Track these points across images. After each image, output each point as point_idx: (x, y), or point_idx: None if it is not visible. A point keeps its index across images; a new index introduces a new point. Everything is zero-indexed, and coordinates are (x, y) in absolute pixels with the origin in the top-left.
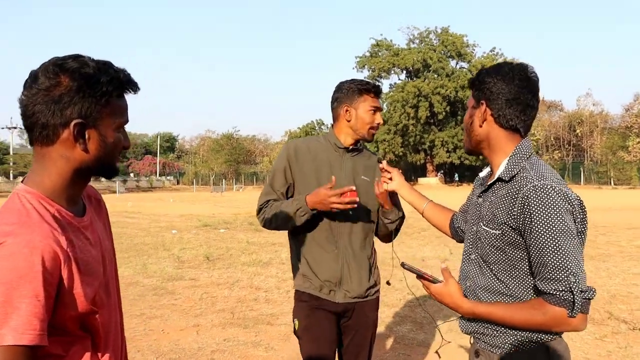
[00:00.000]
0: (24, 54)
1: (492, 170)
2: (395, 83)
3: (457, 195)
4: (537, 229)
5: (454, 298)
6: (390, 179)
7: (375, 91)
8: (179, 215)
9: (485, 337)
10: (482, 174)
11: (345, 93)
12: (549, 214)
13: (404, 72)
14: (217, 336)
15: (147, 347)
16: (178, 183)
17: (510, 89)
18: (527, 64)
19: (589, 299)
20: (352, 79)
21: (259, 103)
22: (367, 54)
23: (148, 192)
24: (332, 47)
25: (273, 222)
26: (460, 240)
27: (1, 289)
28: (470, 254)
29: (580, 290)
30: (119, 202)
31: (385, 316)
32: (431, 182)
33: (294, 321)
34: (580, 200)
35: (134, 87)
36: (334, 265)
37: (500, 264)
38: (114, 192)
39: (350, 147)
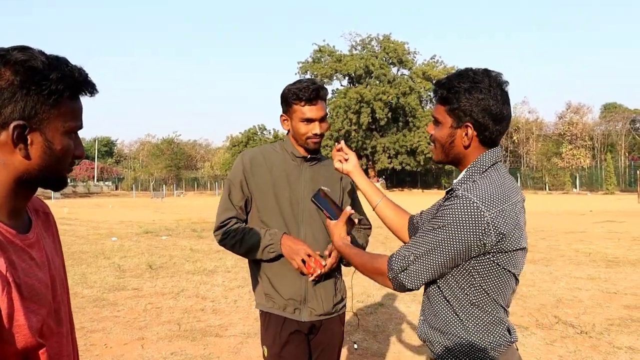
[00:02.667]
0: None
1: None
2: (337, 89)
3: (400, 200)
4: (435, 218)
5: (334, 235)
6: (347, 160)
7: (306, 98)
8: (118, 221)
9: (434, 345)
10: (455, 181)
11: (282, 101)
12: (449, 217)
13: (347, 78)
14: (163, 350)
15: None
16: (117, 188)
17: (495, 107)
18: (493, 70)
19: (402, 283)
20: (291, 84)
21: (201, 107)
22: (310, 59)
23: (85, 197)
24: (275, 52)
25: (236, 248)
26: None
27: None
28: None
29: (405, 269)
30: (55, 208)
31: None
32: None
33: (262, 347)
34: (500, 226)
35: (90, 88)
36: (297, 282)
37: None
38: (49, 197)
39: (309, 156)
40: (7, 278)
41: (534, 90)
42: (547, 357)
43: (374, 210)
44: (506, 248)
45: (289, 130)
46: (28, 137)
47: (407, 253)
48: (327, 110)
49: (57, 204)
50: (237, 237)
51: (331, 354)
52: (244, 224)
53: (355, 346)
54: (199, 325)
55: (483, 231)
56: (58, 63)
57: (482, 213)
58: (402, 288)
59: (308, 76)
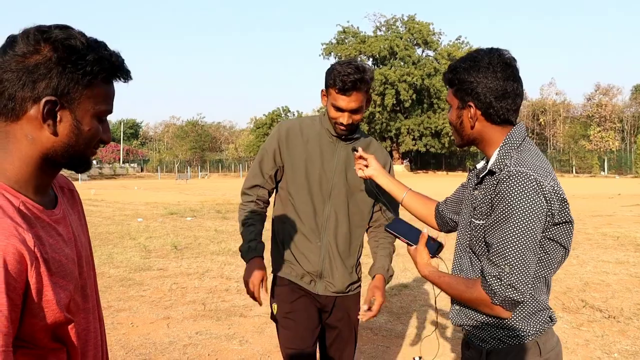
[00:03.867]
0: None
1: (486, 162)
2: None
3: (424, 183)
4: (499, 210)
5: (418, 263)
6: (367, 166)
7: (341, 88)
8: (144, 203)
9: (474, 329)
10: (479, 166)
11: (325, 78)
12: (514, 200)
13: (371, 59)
14: (188, 329)
15: (115, 341)
16: (142, 170)
17: (496, 85)
18: (500, 48)
19: (513, 300)
20: (339, 63)
21: (225, 89)
22: (334, 41)
23: (111, 179)
24: (299, 34)
25: (238, 222)
26: (447, 230)
27: None
28: (465, 247)
29: (509, 284)
30: (82, 189)
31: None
32: (397, 170)
33: (271, 305)
34: (559, 192)
35: (125, 74)
36: (315, 258)
37: (484, 255)
38: (76, 179)
39: (345, 136)
40: (35, 253)
41: (562, 71)
42: (574, 341)
43: (401, 204)
44: (564, 218)
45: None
46: (58, 114)
47: (499, 269)
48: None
49: (84, 186)
50: (241, 217)
51: (347, 336)
52: (269, 193)
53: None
54: (224, 305)
55: (548, 200)
56: (97, 45)
57: (541, 183)
58: (516, 305)
59: (332, 58)
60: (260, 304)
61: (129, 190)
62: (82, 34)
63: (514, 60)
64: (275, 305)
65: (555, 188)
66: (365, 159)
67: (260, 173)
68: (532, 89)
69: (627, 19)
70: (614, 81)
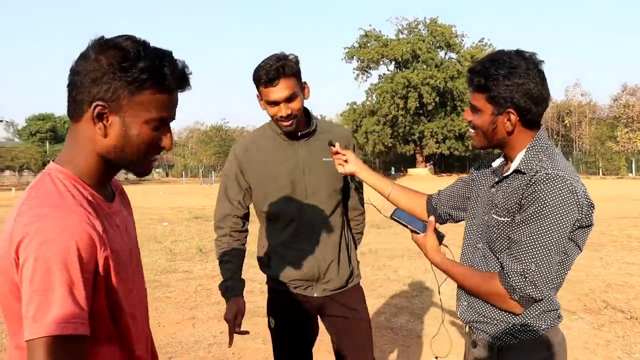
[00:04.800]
0: None
1: (506, 161)
2: (384, 74)
3: None
4: (532, 209)
5: (428, 249)
6: (346, 161)
7: (265, 80)
8: (169, 207)
9: (483, 325)
10: (495, 164)
11: (253, 81)
12: (551, 203)
13: (393, 62)
14: (213, 329)
15: None
16: (167, 175)
17: (536, 90)
18: (524, 51)
19: (532, 297)
20: (262, 61)
21: (248, 94)
22: (356, 44)
23: (137, 184)
24: (321, 38)
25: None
26: (440, 223)
27: (42, 277)
28: (476, 243)
29: (532, 282)
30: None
31: (382, 307)
32: (421, 173)
33: (269, 318)
34: (588, 197)
35: (181, 84)
36: (308, 264)
37: (504, 251)
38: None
39: (299, 133)
40: (103, 238)
41: (587, 72)
42: (594, 342)
43: (388, 199)
44: (588, 222)
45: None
46: (108, 117)
47: (524, 266)
48: (374, 96)
49: None
50: (217, 254)
51: (358, 335)
52: (243, 221)
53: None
54: (248, 306)
55: (580, 205)
56: (152, 54)
57: (575, 188)
58: (531, 302)
59: (354, 62)
60: (230, 345)
61: (154, 195)
62: (142, 43)
63: (543, 62)
64: (272, 320)
65: (586, 193)
66: (343, 154)
67: (227, 201)
68: (557, 90)
69: None
70: None
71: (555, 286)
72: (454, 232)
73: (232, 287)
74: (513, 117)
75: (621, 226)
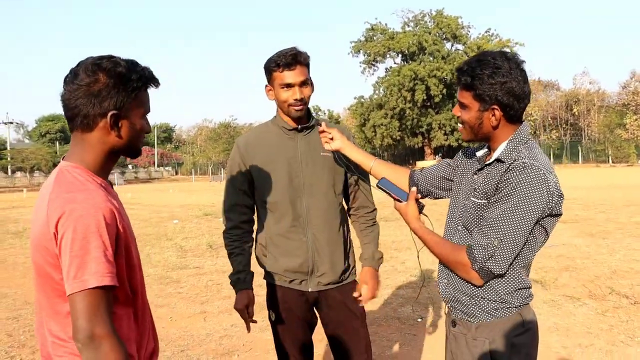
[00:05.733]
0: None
1: (489, 151)
2: (391, 67)
3: None
4: (505, 192)
5: (409, 215)
6: (332, 138)
7: (284, 64)
8: (179, 205)
9: (462, 305)
10: (479, 154)
11: (265, 72)
12: (522, 187)
13: (400, 55)
14: (224, 322)
15: None
16: (177, 173)
17: (518, 89)
18: (507, 51)
19: (490, 270)
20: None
21: (256, 91)
22: (362, 38)
23: (147, 183)
24: (327, 33)
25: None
26: (423, 197)
27: (80, 243)
28: (457, 226)
29: (491, 256)
30: (119, 193)
31: (389, 298)
32: (429, 165)
33: (269, 311)
34: (559, 188)
35: (156, 82)
36: (303, 255)
37: (476, 228)
38: (113, 184)
39: (300, 126)
40: (120, 213)
41: (595, 60)
42: (598, 327)
43: (370, 172)
44: (557, 211)
45: (276, 102)
46: (120, 122)
47: (488, 241)
48: (381, 89)
49: (121, 190)
50: (227, 248)
51: (352, 330)
52: (250, 211)
53: (420, 319)
54: (257, 300)
55: (550, 194)
56: (134, 66)
57: (547, 177)
58: (490, 276)
59: (361, 56)
60: (249, 331)
61: (164, 193)
62: (122, 59)
63: (524, 62)
64: (272, 313)
65: (557, 184)
66: (329, 132)
67: (234, 190)
68: (565, 79)
69: None
70: None
71: (523, 265)
72: (439, 214)
73: (243, 280)
74: (497, 113)
75: (629, 213)
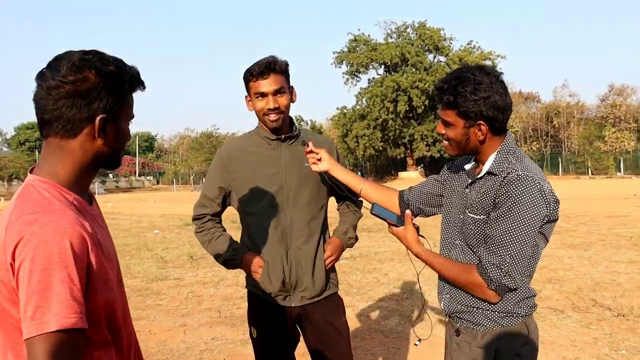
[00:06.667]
0: None
1: (477, 164)
2: (373, 78)
3: None
4: (505, 207)
5: (409, 240)
6: (320, 159)
7: (257, 73)
8: (160, 214)
9: (467, 315)
10: (467, 167)
11: (243, 83)
12: (522, 201)
13: (382, 66)
14: (204, 335)
15: None
16: (158, 183)
17: (500, 100)
18: (485, 65)
19: (507, 287)
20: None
21: (238, 100)
22: (345, 49)
23: (128, 192)
24: (310, 43)
25: (204, 246)
26: (415, 216)
27: (39, 277)
28: (454, 240)
29: (507, 273)
30: (99, 203)
31: (372, 310)
32: (412, 176)
33: (250, 328)
34: (554, 194)
35: (143, 85)
36: (287, 268)
37: (481, 245)
38: (93, 193)
39: (283, 136)
40: (93, 237)
41: (574, 73)
42: (582, 339)
43: (360, 195)
44: (555, 217)
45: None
46: (107, 126)
47: (500, 259)
48: (364, 100)
49: (101, 199)
50: (207, 237)
51: (335, 346)
52: (219, 219)
53: (417, 343)
54: (239, 312)
55: (547, 202)
56: (123, 65)
57: (542, 187)
58: (507, 292)
59: (344, 67)
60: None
61: (145, 202)
62: (109, 56)
63: (503, 74)
64: (253, 329)
65: (552, 191)
66: (316, 153)
67: (207, 201)
68: (545, 91)
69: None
70: (628, 81)
71: (528, 275)
72: (431, 226)
73: (238, 249)
74: (484, 128)
75: (610, 225)
